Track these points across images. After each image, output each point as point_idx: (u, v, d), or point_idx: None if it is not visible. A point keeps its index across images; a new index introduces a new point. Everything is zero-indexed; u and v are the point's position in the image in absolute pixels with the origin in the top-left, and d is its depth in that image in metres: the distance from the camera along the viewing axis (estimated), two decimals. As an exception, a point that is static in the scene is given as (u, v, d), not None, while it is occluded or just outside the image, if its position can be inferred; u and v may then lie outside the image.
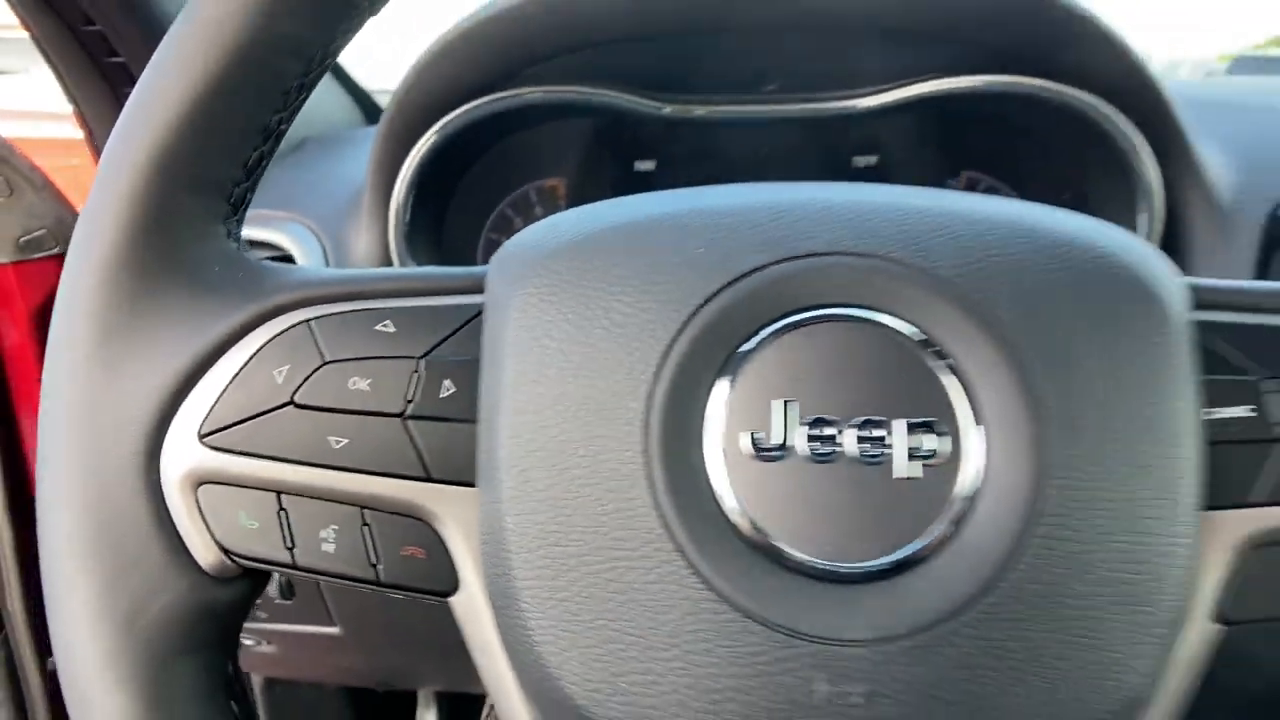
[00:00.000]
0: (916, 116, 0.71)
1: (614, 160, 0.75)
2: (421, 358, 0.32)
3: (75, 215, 0.79)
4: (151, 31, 0.74)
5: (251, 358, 0.32)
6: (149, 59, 0.34)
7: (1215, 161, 0.65)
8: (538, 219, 0.75)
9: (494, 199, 0.74)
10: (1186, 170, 0.64)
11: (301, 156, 0.86)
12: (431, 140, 0.64)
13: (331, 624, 0.79)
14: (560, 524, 0.30)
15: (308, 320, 0.33)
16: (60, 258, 0.77)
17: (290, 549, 0.32)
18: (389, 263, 0.67)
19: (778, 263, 0.30)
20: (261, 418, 0.32)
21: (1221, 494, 0.30)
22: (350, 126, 1.00)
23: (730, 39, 0.63)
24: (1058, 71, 0.63)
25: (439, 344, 0.33)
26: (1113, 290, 0.30)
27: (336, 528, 0.32)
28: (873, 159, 0.74)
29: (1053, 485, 0.29)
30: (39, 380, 0.76)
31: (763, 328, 0.30)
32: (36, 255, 0.74)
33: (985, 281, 0.30)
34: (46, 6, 0.75)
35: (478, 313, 0.33)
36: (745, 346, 0.30)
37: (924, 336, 0.30)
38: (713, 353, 0.30)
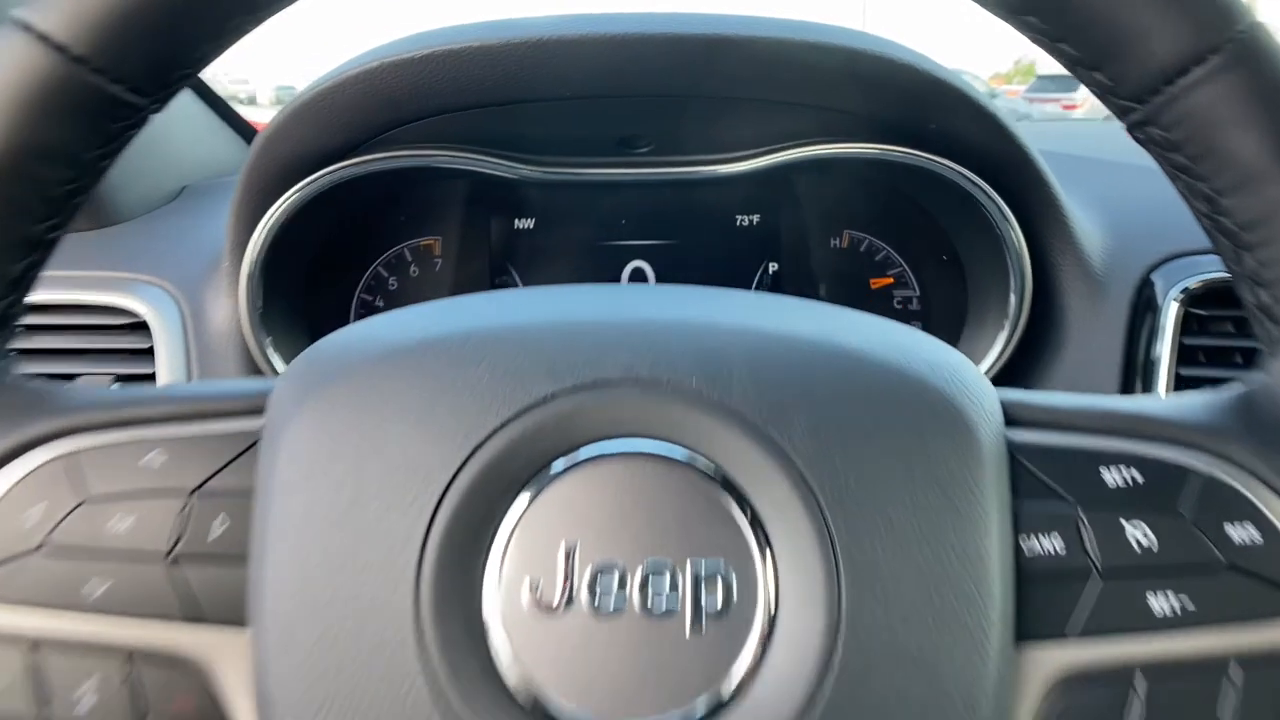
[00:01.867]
0: (798, 177, 0.70)
1: (493, 218, 0.72)
2: (194, 491, 0.30)
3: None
4: None
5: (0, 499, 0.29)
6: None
7: (1087, 226, 0.65)
8: (414, 278, 0.71)
9: (367, 259, 0.71)
10: (1059, 234, 0.63)
11: (177, 207, 0.82)
12: (286, 204, 0.61)
13: None
14: (327, 684, 0.27)
15: (72, 453, 0.30)
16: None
17: (44, 707, 0.29)
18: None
19: (565, 392, 0.28)
20: (10, 563, 0.29)
21: (1036, 628, 0.28)
22: (237, 168, 0.96)
23: (591, 102, 0.61)
24: (925, 140, 0.62)
25: (213, 475, 0.30)
26: (917, 419, 0.29)
27: (98, 679, 0.29)
28: (755, 218, 0.72)
29: (847, 636, 0.27)
30: None
31: (546, 467, 0.28)
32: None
33: (781, 413, 0.28)
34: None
35: (257, 439, 0.30)
36: (528, 489, 0.28)
37: (715, 472, 0.28)
38: (493, 497, 0.28)
